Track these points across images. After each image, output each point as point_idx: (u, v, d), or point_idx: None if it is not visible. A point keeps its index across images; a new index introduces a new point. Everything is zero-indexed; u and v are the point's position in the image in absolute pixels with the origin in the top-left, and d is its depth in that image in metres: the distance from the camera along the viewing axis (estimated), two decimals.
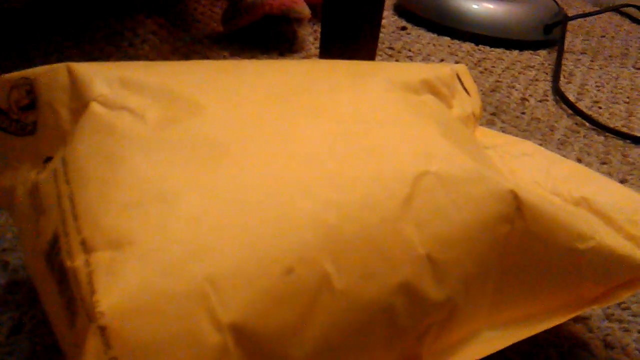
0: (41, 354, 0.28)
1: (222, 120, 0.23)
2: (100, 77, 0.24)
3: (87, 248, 0.19)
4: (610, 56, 0.81)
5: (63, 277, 0.20)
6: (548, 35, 0.80)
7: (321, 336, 0.20)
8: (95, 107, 0.23)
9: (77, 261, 0.19)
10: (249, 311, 0.19)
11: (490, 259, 0.25)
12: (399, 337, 0.23)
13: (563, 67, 0.75)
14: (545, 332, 0.34)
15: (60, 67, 0.25)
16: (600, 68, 0.77)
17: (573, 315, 0.28)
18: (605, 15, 1.01)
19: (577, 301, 0.29)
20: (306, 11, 0.65)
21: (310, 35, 0.72)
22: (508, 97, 0.65)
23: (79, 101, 0.24)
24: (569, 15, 0.90)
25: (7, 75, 0.25)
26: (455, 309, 0.24)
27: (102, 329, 0.18)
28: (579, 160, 0.54)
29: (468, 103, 0.35)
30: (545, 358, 0.32)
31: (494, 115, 0.60)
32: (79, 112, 0.24)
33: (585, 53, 0.81)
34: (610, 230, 0.30)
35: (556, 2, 0.85)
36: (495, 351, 0.26)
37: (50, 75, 0.25)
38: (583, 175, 0.33)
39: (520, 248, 0.25)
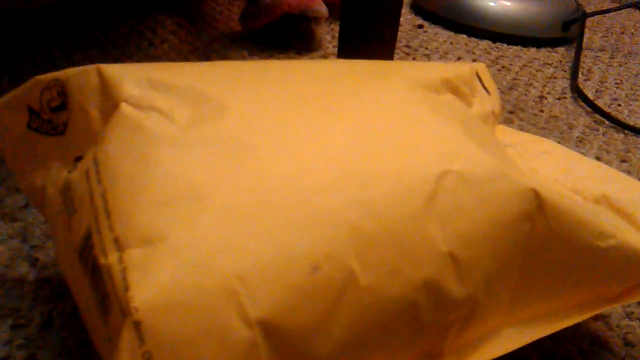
0: (71, 348, 0.29)
1: (248, 120, 0.23)
2: (129, 78, 0.24)
3: (120, 245, 0.20)
4: (629, 53, 0.81)
5: (96, 274, 0.21)
6: (566, 32, 0.79)
7: (346, 332, 0.21)
8: (125, 108, 0.24)
9: (111, 258, 0.20)
10: (277, 307, 0.19)
11: (512, 257, 0.25)
12: (421, 333, 0.23)
13: (581, 64, 0.75)
14: (565, 329, 0.34)
15: (90, 69, 0.25)
16: (620, 65, 0.76)
17: (594, 313, 0.28)
18: (624, 12, 1.00)
19: (597, 299, 0.29)
20: (324, 10, 0.65)
21: (328, 34, 0.72)
22: (526, 94, 0.64)
23: (109, 102, 0.24)
24: (588, 11, 0.89)
25: (39, 77, 0.26)
26: (477, 306, 0.24)
27: (137, 324, 0.18)
28: (598, 159, 0.54)
29: (488, 102, 0.35)
30: (565, 355, 0.32)
31: (512, 113, 0.60)
32: (109, 113, 0.24)
33: (604, 50, 0.81)
34: (631, 228, 0.30)
35: None
36: (516, 348, 0.26)
37: (81, 77, 0.25)
38: (603, 173, 0.33)
39: (541, 246, 0.26)
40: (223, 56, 0.63)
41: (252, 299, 0.19)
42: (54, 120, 0.26)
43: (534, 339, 0.26)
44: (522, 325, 0.27)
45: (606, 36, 0.87)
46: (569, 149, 0.35)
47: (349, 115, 0.25)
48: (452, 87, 0.32)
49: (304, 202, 0.21)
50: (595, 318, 0.35)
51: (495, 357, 0.25)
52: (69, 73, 0.26)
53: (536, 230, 0.25)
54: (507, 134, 0.36)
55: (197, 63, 0.28)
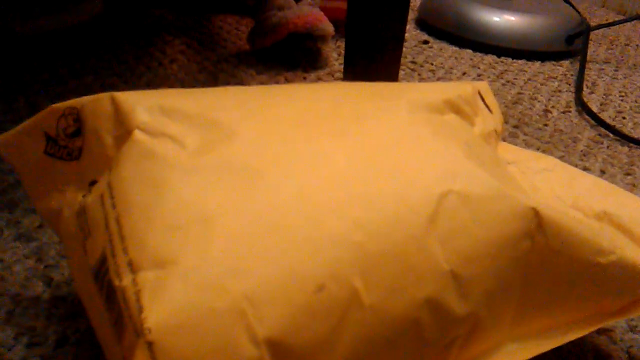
0: None
1: (255, 145, 0.24)
2: (141, 105, 0.26)
3: (134, 268, 0.21)
4: (634, 65, 0.81)
5: (111, 295, 0.22)
6: (570, 45, 0.80)
7: (351, 349, 0.22)
8: (137, 134, 0.25)
9: (125, 280, 0.21)
10: (284, 327, 0.20)
11: (513, 274, 0.26)
12: (425, 350, 0.24)
13: (586, 78, 0.75)
14: (568, 344, 0.34)
15: (104, 97, 0.26)
16: (624, 77, 0.77)
17: (596, 327, 0.29)
18: (628, 24, 1.01)
19: (600, 314, 0.29)
20: (329, 28, 0.66)
21: (334, 51, 0.74)
22: (530, 109, 0.65)
23: (122, 128, 0.25)
24: (592, 24, 0.90)
25: (56, 105, 0.27)
26: (479, 322, 0.25)
27: (150, 344, 0.19)
28: (603, 172, 0.54)
29: (490, 120, 0.36)
30: None
31: (516, 127, 0.61)
32: (123, 139, 0.25)
33: (609, 62, 0.82)
34: (632, 244, 0.30)
35: (578, 12, 0.85)
36: None
37: (95, 104, 0.26)
38: (604, 189, 0.34)
39: (541, 263, 0.26)
40: (231, 75, 0.65)
41: (259, 319, 0.20)
42: (70, 146, 0.27)
43: (537, 354, 0.27)
44: (525, 340, 0.27)
45: (611, 49, 0.87)
46: (570, 166, 0.36)
47: (352, 139, 0.26)
48: (454, 107, 0.33)
49: (310, 225, 0.22)
50: (599, 332, 0.36)
51: None
52: (84, 101, 0.27)
53: (536, 248, 0.26)
54: (510, 152, 0.37)
55: (207, 89, 0.29)
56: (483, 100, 0.37)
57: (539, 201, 0.27)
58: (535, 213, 0.26)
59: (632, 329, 0.36)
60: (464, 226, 0.25)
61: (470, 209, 0.25)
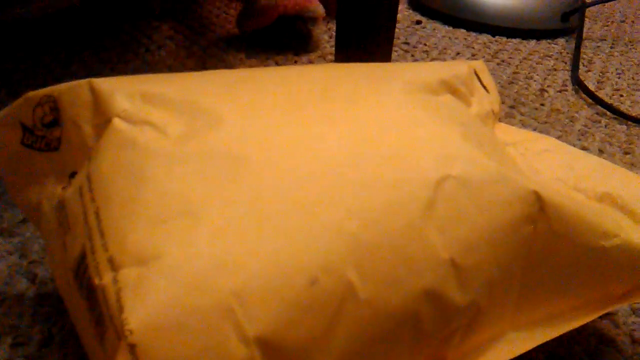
0: None
1: (242, 131, 0.23)
2: (121, 92, 0.24)
3: (114, 265, 0.20)
4: (630, 42, 0.80)
5: (91, 294, 0.21)
6: (566, 23, 0.79)
7: (347, 345, 0.21)
8: (117, 122, 0.23)
9: (105, 279, 0.20)
10: (274, 324, 0.19)
11: (514, 261, 0.25)
12: (424, 342, 0.23)
13: (582, 55, 0.74)
14: (571, 329, 0.33)
15: (82, 84, 0.25)
16: (621, 54, 0.75)
17: (600, 313, 0.28)
18: (624, 0, 0.99)
19: (603, 299, 0.28)
20: (320, 10, 0.64)
21: (325, 33, 0.72)
22: (526, 88, 0.64)
23: (102, 117, 0.24)
24: (587, 1, 0.88)
25: (32, 93, 0.26)
26: (480, 312, 0.24)
27: (132, 347, 0.18)
28: (601, 151, 0.53)
29: (487, 100, 0.35)
30: (571, 356, 0.32)
31: (512, 107, 0.60)
32: (102, 128, 0.24)
33: (605, 39, 0.80)
34: (635, 226, 0.29)
35: None
36: (521, 353, 0.26)
37: (73, 92, 0.25)
38: (606, 170, 0.33)
39: (544, 248, 0.25)
40: (220, 60, 0.63)
41: (249, 316, 0.19)
42: (48, 136, 0.26)
43: (540, 343, 0.26)
44: (528, 329, 0.26)
45: (606, 25, 0.86)
46: (570, 146, 0.35)
47: (346, 122, 0.24)
48: (450, 88, 0.32)
49: (301, 215, 0.21)
50: (601, 316, 0.35)
51: None
52: (61, 88, 0.25)
53: (538, 233, 0.25)
54: (508, 133, 0.36)
55: (190, 73, 0.27)
56: (479, 79, 0.36)
57: (541, 184, 0.26)
58: (537, 196, 0.25)
59: (635, 312, 0.35)
60: (464, 212, 0.23)
61: (469, 194, 0.24)
